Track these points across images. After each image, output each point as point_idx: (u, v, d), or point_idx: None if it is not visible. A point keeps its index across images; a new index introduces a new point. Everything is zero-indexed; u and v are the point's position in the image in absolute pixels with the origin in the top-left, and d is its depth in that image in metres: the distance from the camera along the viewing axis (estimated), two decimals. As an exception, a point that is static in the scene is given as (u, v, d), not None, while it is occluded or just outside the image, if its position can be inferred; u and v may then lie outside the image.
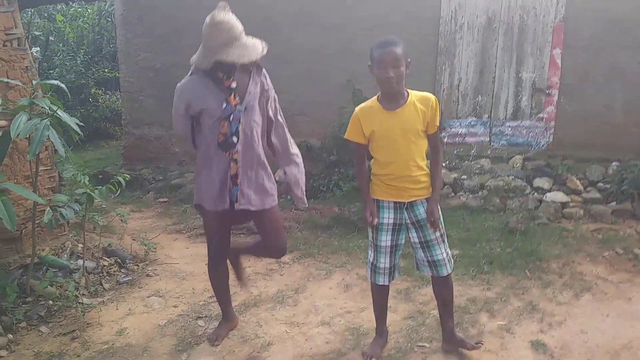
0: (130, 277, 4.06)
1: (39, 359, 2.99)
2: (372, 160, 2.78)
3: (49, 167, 3.96)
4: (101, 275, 4.01)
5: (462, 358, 2.92)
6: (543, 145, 6.33)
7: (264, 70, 2.94)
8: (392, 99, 2.64)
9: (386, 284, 2.83)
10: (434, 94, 2.68)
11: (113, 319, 3.43)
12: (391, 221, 2.74)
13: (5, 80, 3.53)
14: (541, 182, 5.89)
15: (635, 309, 3.53)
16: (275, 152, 3.07)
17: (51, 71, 10.81)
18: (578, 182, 5.79)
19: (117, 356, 3.01)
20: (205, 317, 3.46)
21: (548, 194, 5.69)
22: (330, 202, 5.96)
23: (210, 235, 3.07)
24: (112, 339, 3.17)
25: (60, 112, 3.14)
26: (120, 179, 3.89)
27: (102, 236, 4.45)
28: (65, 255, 3.96)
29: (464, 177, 6.22)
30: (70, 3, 10.80)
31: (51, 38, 11.45)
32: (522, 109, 6.35)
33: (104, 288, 3.86)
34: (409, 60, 2.57)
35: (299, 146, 3.17)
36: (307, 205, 3.12)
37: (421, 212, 2.72)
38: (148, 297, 3.77)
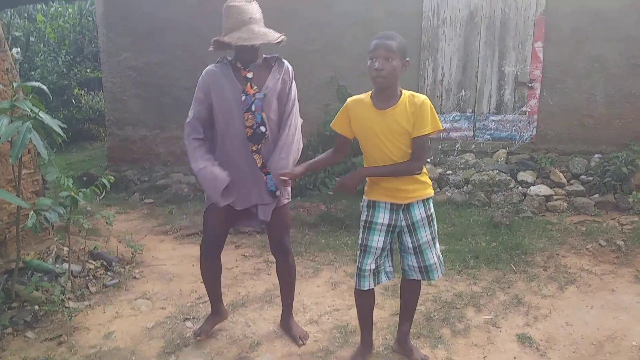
0: (117, 280, 4.04)
1: (26, 365, 2.96)
2: (364, 160, 2.72)
3: (32, 171, 3.92)
4: (87, 278, 3.98)
5: (449, 353, 2.96)
6: (526, 139, 6.39)
7: (290, 69, 2.91)
8: (384, 97, 2.54)
9: (371, 287, 2.73)
10: (417, 90, 2.59)
11: (100, 322, 3.41)
12: (386, 222, 2.66)
13: (-15, 83, 3.49)
14: (525, 175, 5.96)
15: (619, 300, 3.59)
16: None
17: (32, 72, 10.69)
18: (561, 175, 5.86)
19: (105, 360, 3.00)
20: (193, 318, 3.45)
21: (532, 188, 5.75)
22: (317, 199, 5.96)
23: (209, 228, 3.01)
24: (99, 343, 3.15)
25: (42, 114, 3.10)
26: (105, 180, 3.85)
27: (88, 239, 4.41)
28: (51, 259, 3.92)
29: (449, 172, 6.27)
30: (51, 3, 10.67)
31: (32, 39, 11.29)
32: (505, 103, 6.41)
33: (90, 291, 3.84)
34: (407, 59, 2.50)
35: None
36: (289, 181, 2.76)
37: (416, 214, 2.66)
38: (135, 299, 3.76)
